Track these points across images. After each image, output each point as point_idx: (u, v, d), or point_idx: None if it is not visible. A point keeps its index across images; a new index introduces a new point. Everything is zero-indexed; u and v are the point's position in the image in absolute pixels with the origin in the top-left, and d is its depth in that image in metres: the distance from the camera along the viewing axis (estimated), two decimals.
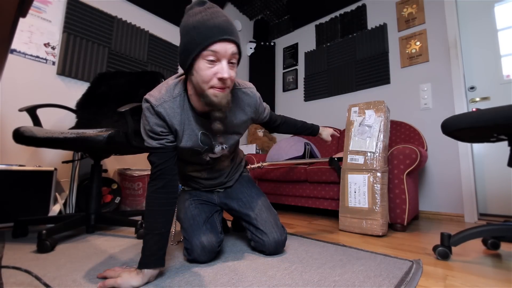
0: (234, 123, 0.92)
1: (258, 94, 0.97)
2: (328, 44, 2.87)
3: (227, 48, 0.71)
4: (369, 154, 1.44)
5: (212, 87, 0.73)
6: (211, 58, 0.71)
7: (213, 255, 0.90)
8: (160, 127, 0.80)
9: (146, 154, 2.27)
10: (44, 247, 0.97)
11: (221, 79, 0.72)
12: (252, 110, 0.96)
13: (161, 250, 0.76)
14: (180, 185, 1.17)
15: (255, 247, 1.02)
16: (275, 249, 0.98)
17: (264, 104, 1.06)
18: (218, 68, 0.72)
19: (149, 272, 0.72)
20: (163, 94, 0.80)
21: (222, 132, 0.86)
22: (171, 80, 0.85)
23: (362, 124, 1.49)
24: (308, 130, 1.29)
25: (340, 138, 2.41)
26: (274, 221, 1.02)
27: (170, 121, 0.81)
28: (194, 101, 0.82)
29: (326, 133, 1.36)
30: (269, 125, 1.17)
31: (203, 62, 0.71)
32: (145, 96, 0.80)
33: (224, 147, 0.96)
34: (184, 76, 0.85)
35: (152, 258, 0.73)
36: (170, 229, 0.80)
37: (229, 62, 0.73)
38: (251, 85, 0.96)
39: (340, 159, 1.76)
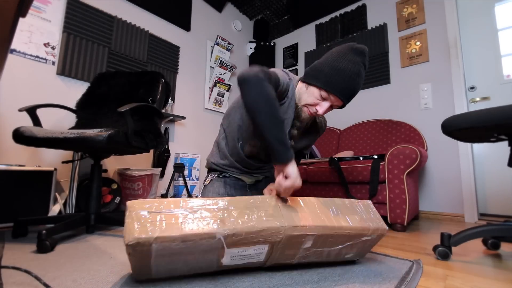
0: (303, 141, 1.13)
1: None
2: (328, 44, 2.87)
3: (338, 102, 0.90)
4: None
5: (306, 106, 0.94)
6: (324, 96, 0.89)
7: None
8: (287, 86, 0.93)
9: (145, 154, 2.27)
10: (44, 247, 0.97)
11: (316, 112, 0.92)
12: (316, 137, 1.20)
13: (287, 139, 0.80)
14: (214, 171, 1.16)
15: None
16: None
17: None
18: (321, 104, 0.90)
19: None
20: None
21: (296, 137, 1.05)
22: (296, 78, 1.03)
23: None
24: None
25: (339, 138, 2.41)
26: None
27: (292, 93, 0.96)
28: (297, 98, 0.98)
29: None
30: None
31: (317, 91, 0.90)
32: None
33: (292, 143, 1.05)
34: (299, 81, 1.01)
35: (287, 147, 0.78)
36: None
37: (331, 106, 0.91)
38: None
39: (340, 159, 1.76)
